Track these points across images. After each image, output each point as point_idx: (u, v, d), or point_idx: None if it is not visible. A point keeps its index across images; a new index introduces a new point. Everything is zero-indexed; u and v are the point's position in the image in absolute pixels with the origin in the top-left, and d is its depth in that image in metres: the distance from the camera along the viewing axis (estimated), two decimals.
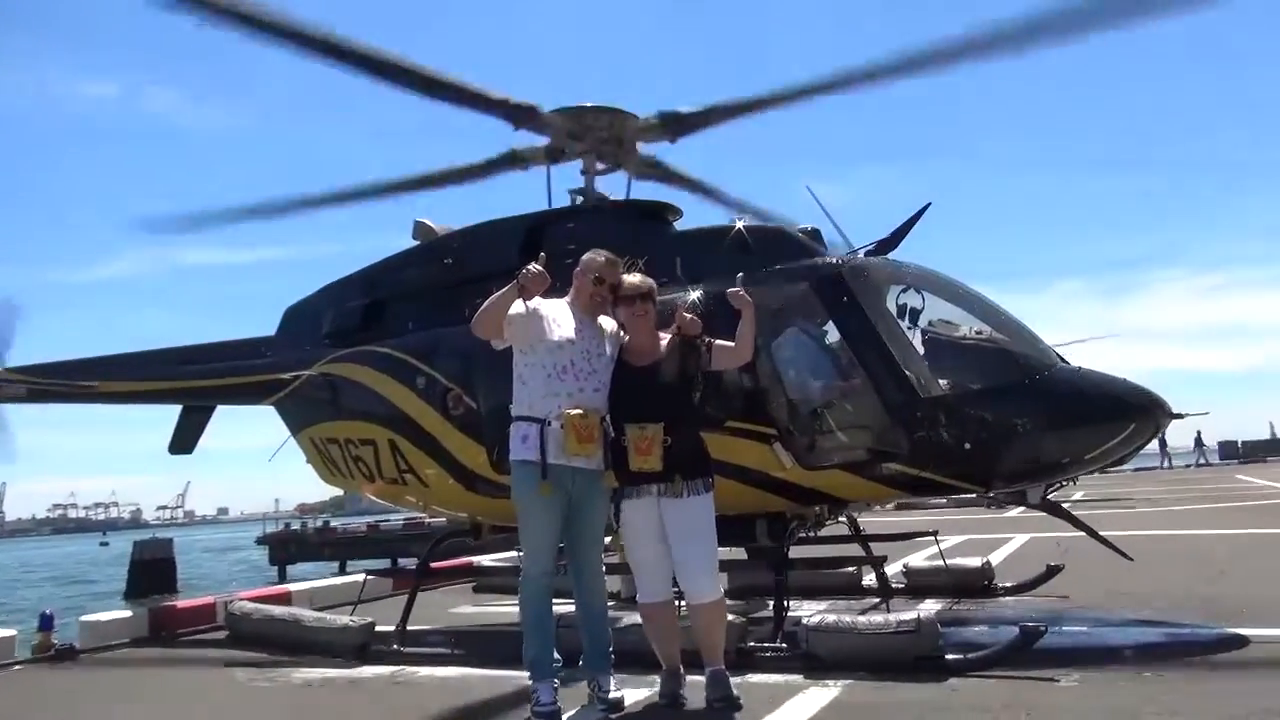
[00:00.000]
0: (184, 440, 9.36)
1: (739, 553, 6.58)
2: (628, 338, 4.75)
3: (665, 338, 4.68)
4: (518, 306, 4.49)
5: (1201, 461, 40.70)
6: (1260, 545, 10.40)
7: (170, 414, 9.30)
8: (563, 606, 4.69)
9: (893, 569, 7.81)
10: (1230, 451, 45.94)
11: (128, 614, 8.33)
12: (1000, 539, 12.05)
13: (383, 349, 7.32)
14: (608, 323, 4.77)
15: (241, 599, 8.09)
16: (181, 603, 8.98)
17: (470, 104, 6.66)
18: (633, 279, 4.73)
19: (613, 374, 4.62)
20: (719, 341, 4.68)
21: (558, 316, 4.63)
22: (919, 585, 7.82)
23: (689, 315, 4.68)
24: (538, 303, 4.57)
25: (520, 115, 6.84)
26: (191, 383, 8.83)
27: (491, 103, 6.68)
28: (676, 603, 4.68)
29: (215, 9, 5.69)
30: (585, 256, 4.81)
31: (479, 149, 7.57)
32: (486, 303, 4.52)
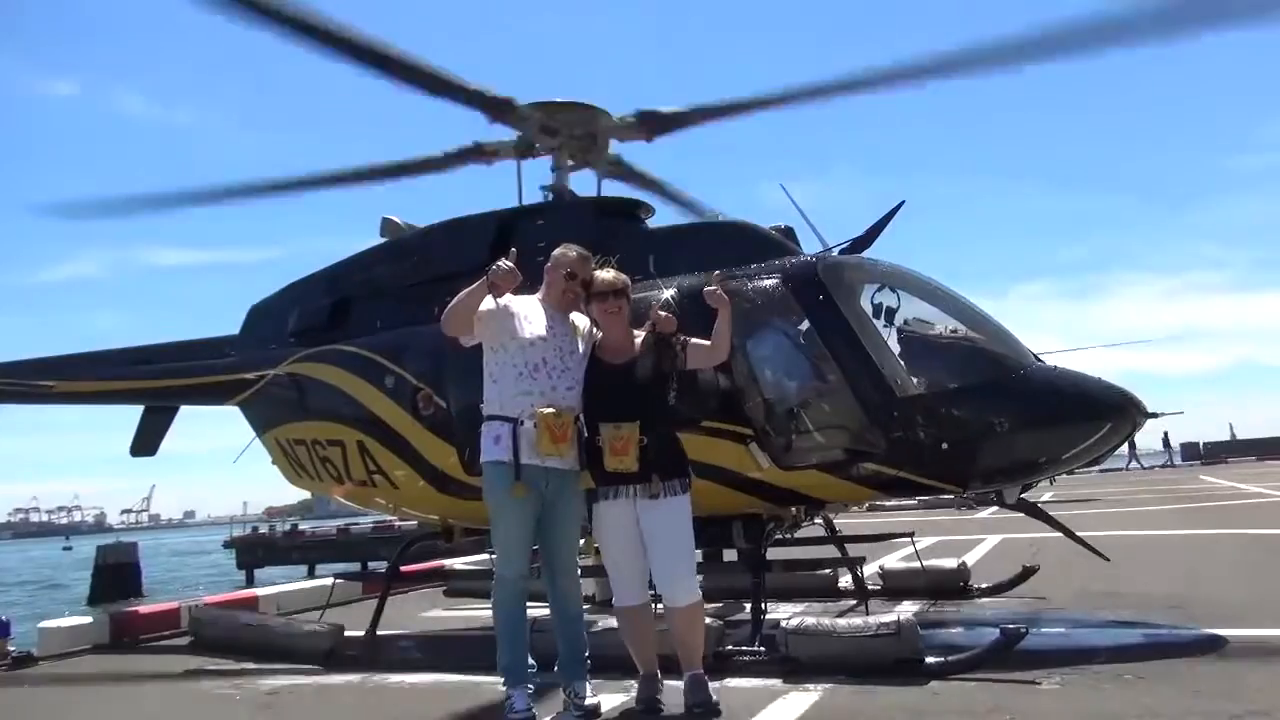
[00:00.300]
0: (146, 442, 9.16)
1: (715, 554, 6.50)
2: (601, 335, 4.64)
3: (640, 335, 4.57)
4: (488, 303, 4.38)
5: (1168, 462, 41.25)
6: (1227, 545, 10.48)
7: (133, 415, 9.11)
8: (537, 609, 4.58)
9: (868, 570, 7.76)
10: (1192, 453, 46.61)
11: (88, 620, 8.12)
12: (973, 540, 12.07)
13: (350, 348, 7.17)
14: (580, 320, 4.67)
15: (206, 604, 7.91)
16: (144, 608, 8.75)
17: (446, 93, 6.49)
18: (606, 275, 4.61)
19: (587, 372, 4.52)
20: (694, 340, 4.59)
21: (529, 313, 4.53)
22: (895, 587, 7.77)
23: (664, 313, 4.60)
24: (509, 299, 4.47)
25: (496, 107, 6.71)
26: (153, 383, 8.63)
27: (468, 93, 6.53)
28: (653, 606, 4.58)
29: None
30: (556, 252, 4.72)
31: (440, 140, 7.44)
32: (455, 299, 4.40)
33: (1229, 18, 5.29)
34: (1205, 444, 46.84)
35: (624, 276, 4.66)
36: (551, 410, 4.30)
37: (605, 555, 4.55)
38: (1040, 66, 6.00)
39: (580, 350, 4.56)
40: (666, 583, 4.37)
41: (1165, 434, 41.49)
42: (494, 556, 4.63)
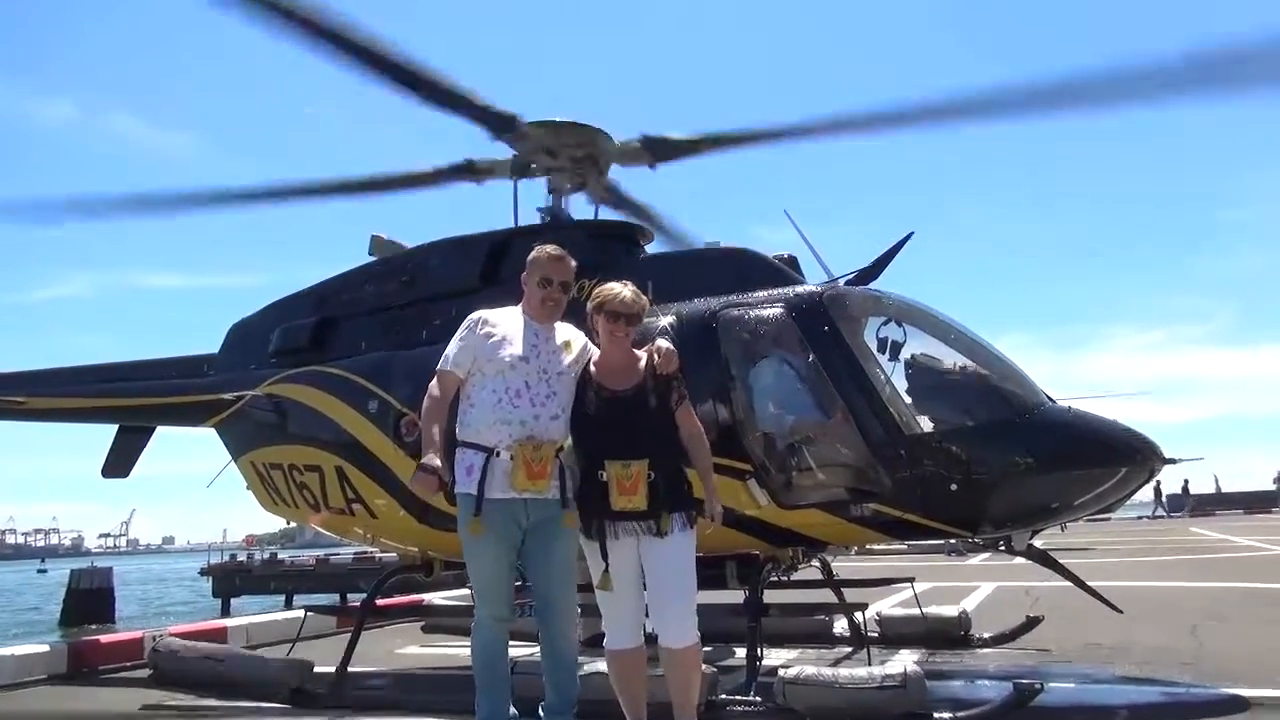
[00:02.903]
0: (119, 463, 8.84)
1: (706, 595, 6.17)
2: (599, 354, 4.26)
3: (641, 357, 4.21)
4: (464, 335, 4.17)
5: (1159, 514, 41.05)
6: (1228, 598, 10.22)
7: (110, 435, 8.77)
8: (520, 648, 4.27)
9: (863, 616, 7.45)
10: (1178, 504, 46.39)
11: (44, 649, 7.69)
12: (968, 586, 11.77)
13: (333, 369, 6.89)
14: (570, 332, 4.29)
15: (170, 634, 7.53)
16: (106, 637, 8.37)
17: (452, 106, 6.22)
18: (625, 294, 4.16)
19: (588, 399, 4.13)
20: (685, 405, 4.18)
21: (509, 332, 4.14)
22: (893, 634, 7.46)
23: (666, 346, 4.21)
24: (484, 315, 4.20)
25: (500, 124, 6.48)
26: (127, 401, 8.32)
27: (473, 107, 6.28)
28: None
29: None
30: (531, 254, 4.32)
31: (431, 154, 7.19)
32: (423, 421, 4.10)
33: (1225, 86, 5.20)
34: (1193, 495, 46.61)
35: (643, 300, 4.23)
36: (530, 443, 3.96)
37: (601, 595, 4.16)
38: (1045, 118, 6.02)
39: (566, 367, 4.16)
40: (667, 622, 4.02)
41: (1157, 484, 41.33)
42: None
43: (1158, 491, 41.75)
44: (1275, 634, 7.44)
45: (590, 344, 4.31)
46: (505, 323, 4.19)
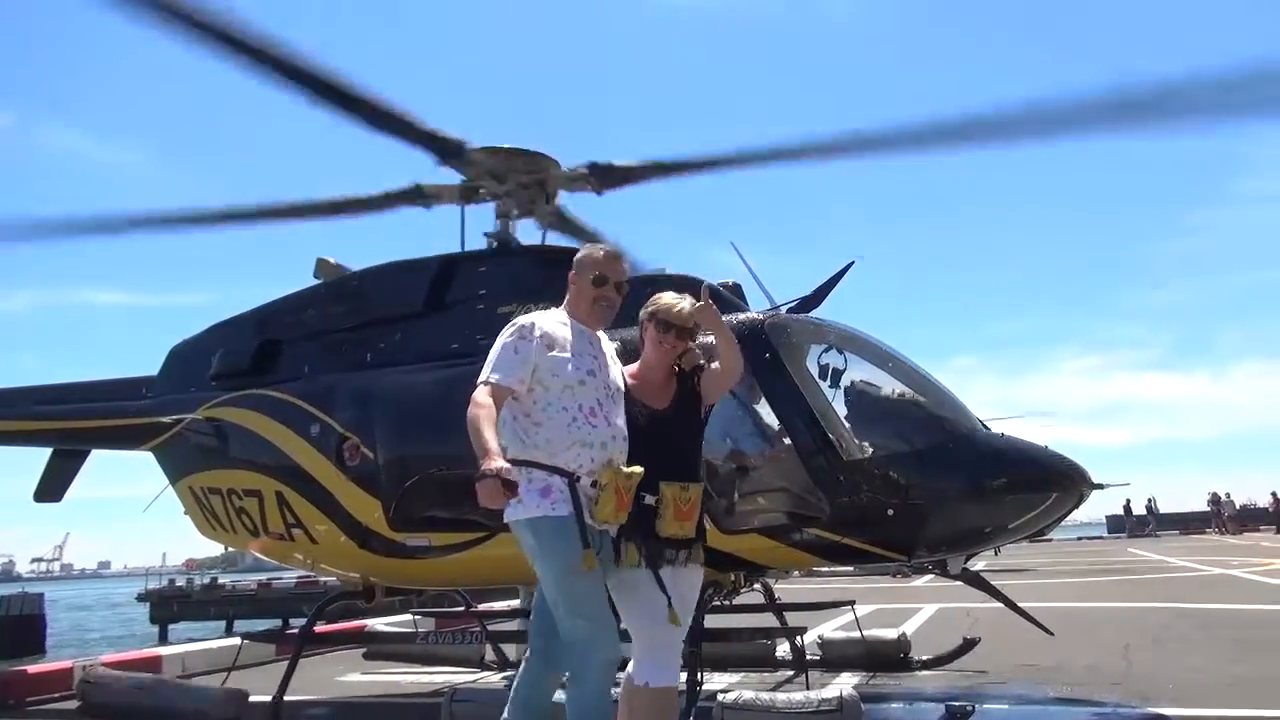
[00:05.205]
0: (52, 487, 8.63)
1: None
2: (639, 367, 3.89)
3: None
4: (518, 345, 3.55)
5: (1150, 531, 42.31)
6: (1159, 618, 10.49)
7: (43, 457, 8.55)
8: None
9: (806, 639, 7.53)
10: (1117, 525, 47.51)
11: None
12: (911, 609, 11.91)
13: (275, 393, 6.80)
14: (607, 341, 3.85)
15: (101, 664, 7.35)
16: (33, 668, 8.14)
17: (397, 131, 6.22)
18: (682, 307, 3.78)
19: (634, 415, 3.74)
20: (711, 367, 3.89)
21: (568, 341, 3.64)
22: (834, 657, 7.52)
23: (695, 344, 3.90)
24: (536, 320, 3.64)
25: (447, 149, 6.50)
26: (61, 423, 8.14)
27: (420, 133, 6.28)
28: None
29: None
30: (581, 252, 3.87)
31: (377, 185, 7.18)
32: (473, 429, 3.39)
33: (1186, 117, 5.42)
34: (1122, 518, 47.76)
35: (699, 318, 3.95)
36: (623, 470, 3.47)
37: (639, 625, 3.69)
38: (993, 148, 6.20)
39: (622, 383, 3.75)
40: (672, 659, 3.65)
41: (1127, 503, 44.04)
42: (569, 628, 3.46)
43: (1128, 510, 44.13)
44: (1201, 655, 7.65)
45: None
46: (561, 331, 3.68)
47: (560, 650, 3.51)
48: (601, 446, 3.52)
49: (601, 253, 3.81)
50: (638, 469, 3.50)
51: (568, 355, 3.60)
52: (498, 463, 3.24)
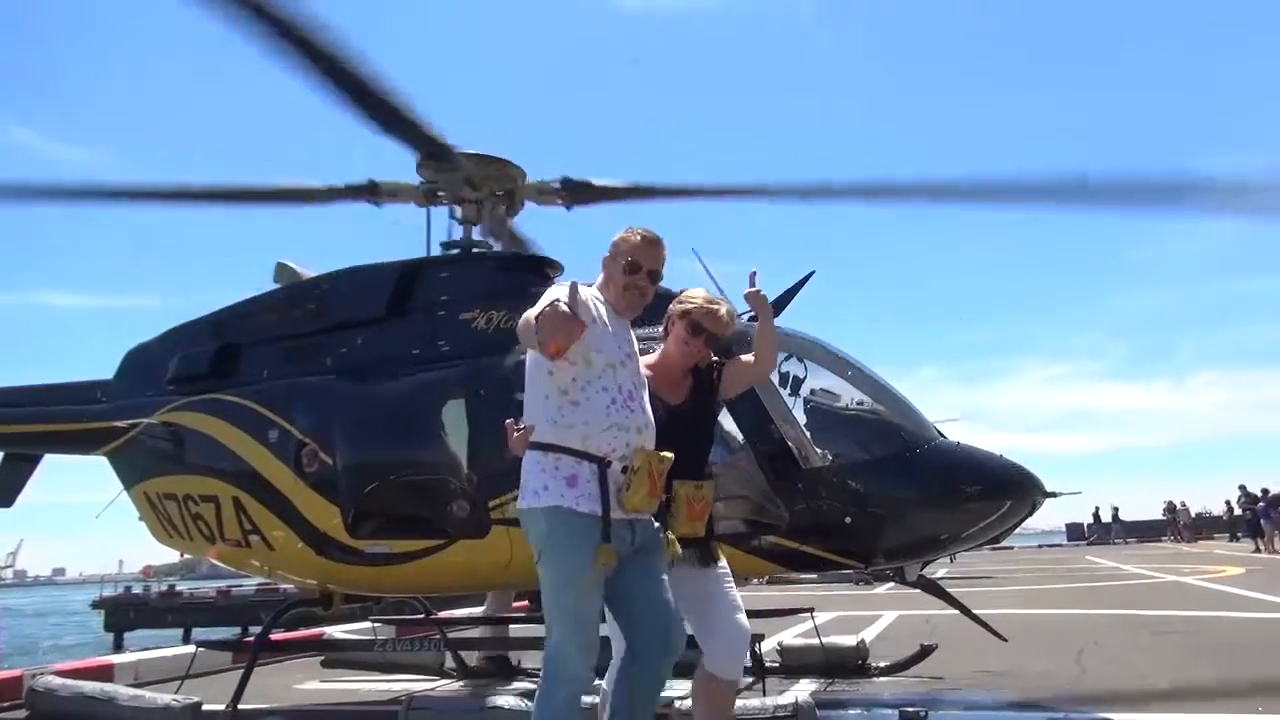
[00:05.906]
0: (2, 492, 8.44)
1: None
2: (657, 360, 3.75)
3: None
4: (579, 304, 3.03)
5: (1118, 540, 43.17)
6: (1113, 625, 10.67)
7: None
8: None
9: (765, 646, 7.57)
10: (1076, 533, 48.25)
11: None
12: (871, 615, 12.02)
13: (232, 397, 6.73)
14: (631, 332, 3.59)
15: (51, 673, 7.20)
16: None
17: (393, 122, 5.94)
18: (720, 312, 3.65)
19: (654, 409, 3.53)
20: (742, 358, 3.77)
21: (609, 320, 3.40)
22: (793, 664, 7.57)
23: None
24: (584, 290, 3.24)
25: (436, 149, 6.44)
26: (13, 428, 7.99)
27: (416, 128, 6.09)
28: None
29: None
30: (618, 236, 3.53)
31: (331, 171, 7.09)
32: (544, 314, 2.93)
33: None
34: (1089, 525, 48.50)
35: (735, 327, 3.86)
36: (656, 454, 3.26)
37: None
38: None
39: (643, 374, 3.53)
40: (740, 653, 3.65)
41: (1096, 511, 46.08)
42: (552, 642, 3.24)
43: (1096, 517, 45.98)
44: (1151, 660, 7.79)
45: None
46: (601, 307, 3.42)
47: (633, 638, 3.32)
48: (637, 432, 3.30)
49: (639, 237, 3.48)
50: (669, 454, 3.30)
51: (611, 332, 3.37)
52: (562, 302, 2.91)
